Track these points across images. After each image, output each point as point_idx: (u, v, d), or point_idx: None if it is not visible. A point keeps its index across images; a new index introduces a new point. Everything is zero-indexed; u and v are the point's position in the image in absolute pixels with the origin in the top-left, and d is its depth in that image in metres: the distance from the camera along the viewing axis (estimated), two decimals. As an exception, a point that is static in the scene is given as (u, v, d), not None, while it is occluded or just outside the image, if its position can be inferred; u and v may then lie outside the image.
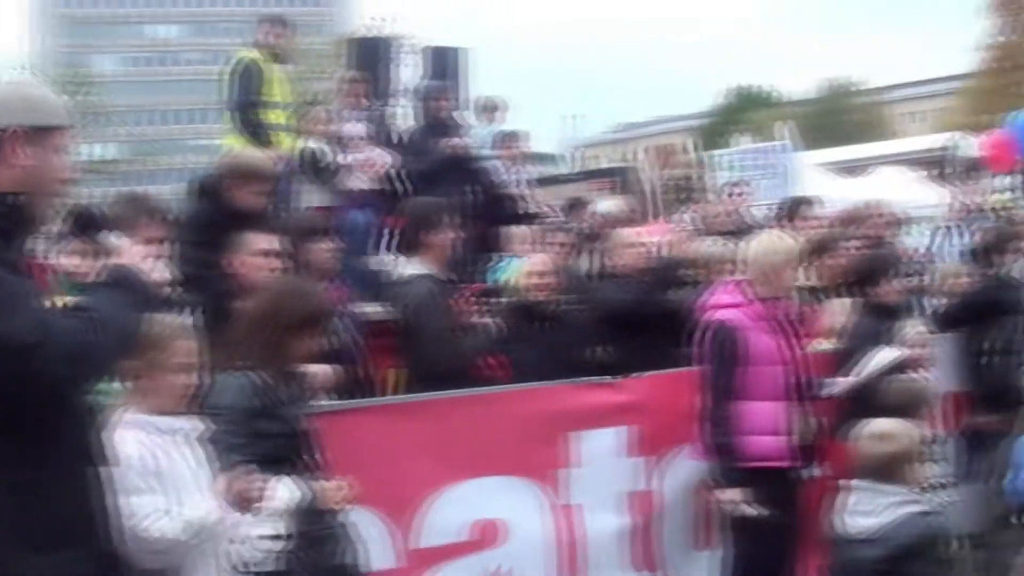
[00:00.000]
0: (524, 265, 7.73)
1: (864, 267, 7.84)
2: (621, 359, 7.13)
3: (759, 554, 6.18)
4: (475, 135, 11.65)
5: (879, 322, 7.34)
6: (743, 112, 70.98)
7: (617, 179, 17.66)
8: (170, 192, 23.08)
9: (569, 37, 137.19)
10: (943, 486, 6.25)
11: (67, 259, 5.02)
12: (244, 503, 3.95)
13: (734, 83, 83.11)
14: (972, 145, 18.81)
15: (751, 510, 6.05)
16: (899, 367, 6.95)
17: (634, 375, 6.58)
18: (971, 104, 56.86)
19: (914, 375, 6.90)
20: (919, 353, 7.42)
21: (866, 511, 4.86)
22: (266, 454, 4.32)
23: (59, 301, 3.36)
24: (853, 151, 25.67)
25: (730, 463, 6.15)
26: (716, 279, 7.19)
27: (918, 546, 4.83)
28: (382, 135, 10.67)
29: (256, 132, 10.09)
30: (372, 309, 7.48)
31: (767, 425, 6.23)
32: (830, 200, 12.82)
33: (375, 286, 8.24)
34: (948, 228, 12.81)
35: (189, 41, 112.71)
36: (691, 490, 6.66)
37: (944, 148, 20.25)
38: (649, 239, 8.68)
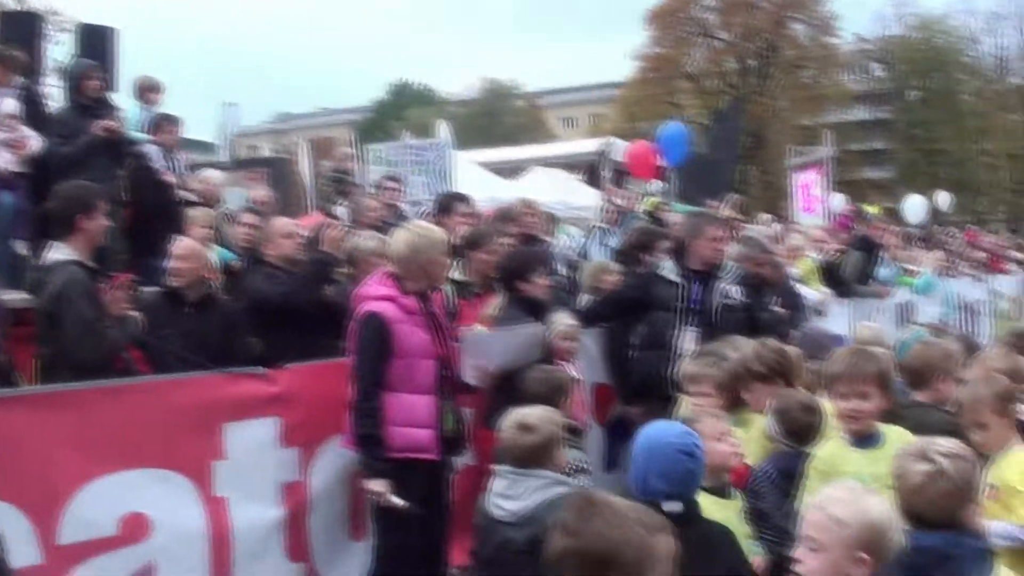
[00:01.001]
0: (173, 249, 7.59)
1: (514, 263, 8.07)
2: (274, 350, 7.06)
3: (405, 544, 6.25)
4: (129, 117, 11.22)
5: (526, 316, 7.59)
6: (403, 108, 71.84)
7: (271, 169, 17.53)
8: None
9: (231, 25, 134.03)
10: (583, 471, 6.52)
11: None
12: None
13: (395, 79, 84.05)
14: (623, 150, 19.79)
15: (396, 501, 6.10)
16: (546, 358, 7.24)
17: (285, 366, 6.51)
18: (624, 111, 59.99)
19: (557, 365, 7.19)
20: (566, 346, 7.75)
21: (513, 495, 4.98)
22: None
23: None
24: (509, 152, 26.49)
25: (377, 454, 6.17)
26: (369, 272, 7.19)
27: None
28: (31, 114, 10.09)
29: None
30: (15, 296, 7.09)
31: (415, 417, 6.29)
32: (485, 198, 13.18)
33: (20, 272, 7.82)
34: (599, 229, 13.41)
35: None
36: (343, 481, 6.68)
37: (597, 152, 21.23)
38: (304, 230, 8.67)
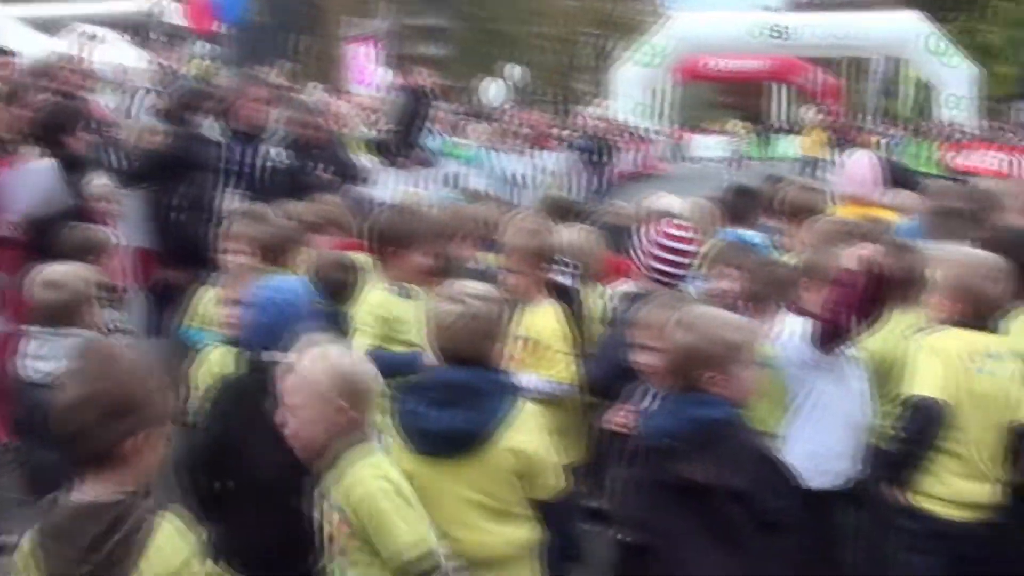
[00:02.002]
0: None
1: (51, 118, 7.66)
2: None
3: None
4: None
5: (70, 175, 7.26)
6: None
7: None
8: None
9: None
10: (124, 331, 6.38)
11: None
12: None
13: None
14: (175, 11, 19.08)
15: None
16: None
17: None
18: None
19: (91, 224, 6.93)
20: (102, 207, 7.48)
21: (45, 356, 4.83)
22: None
23: None
24: (53, 7, 24.83)
25: None
26: None
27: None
28: None
29: None
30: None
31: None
32: (25, 53, 12.32)
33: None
34: (146, 89, 12.93)
35: None
36: None
37: (147, 13, 20.32)
38: None
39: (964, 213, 5.89)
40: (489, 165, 18.31)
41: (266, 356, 4.00)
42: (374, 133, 14.22)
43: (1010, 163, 29.24)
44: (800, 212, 6.40)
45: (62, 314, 4.87)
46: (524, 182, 21.40)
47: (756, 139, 50.59)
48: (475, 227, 6.54)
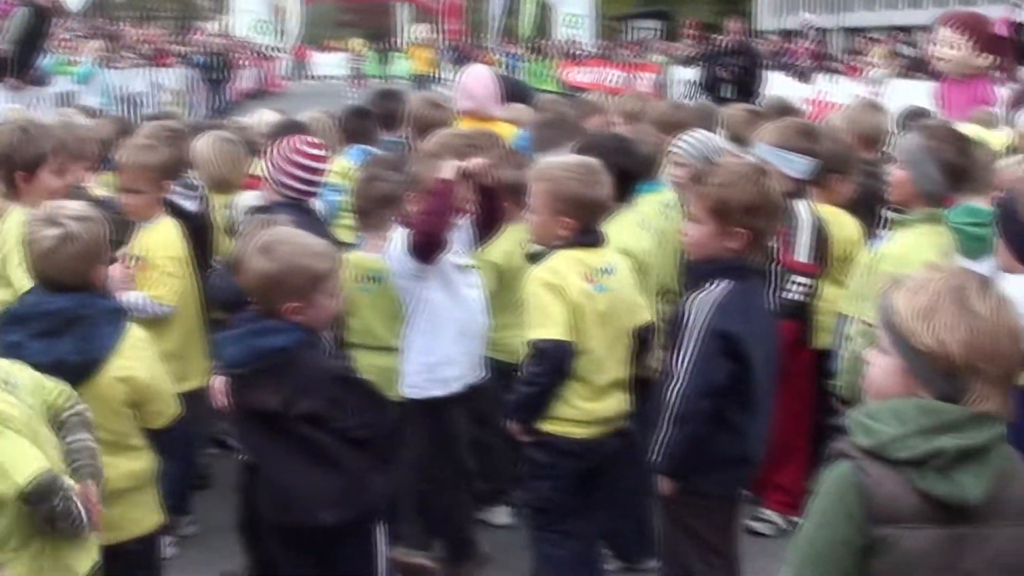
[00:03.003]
0: None
1: None
2: None
3: None
4: None
5: None
6: None
7: None
8: None
9: None
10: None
11: None
12: None
13: None
14: None
15: None
16: None
17: None
18: None
19: None
20: None
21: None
22: None
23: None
24: None
25: None
26: None
27: None
28: None
29: None
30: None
31: None
32: None
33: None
34: None
35: None
36: None
37: None
38: None
39: (566, 123, 6.13)
40: (104, 83, 17.42)
41: None
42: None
43: (627, 79, 30.72)
44: (425, 126, 6.43)
45: None
46: (141, 100, 20.60)
47: (376, 57, 50.77)
48: (90, 146, 6.16)
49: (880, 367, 2.38)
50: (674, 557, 3.95)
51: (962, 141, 4.57)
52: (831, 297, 5.06)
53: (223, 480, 5.43)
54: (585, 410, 4.14)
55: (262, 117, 7.29)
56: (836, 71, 20.52)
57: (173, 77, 23.78)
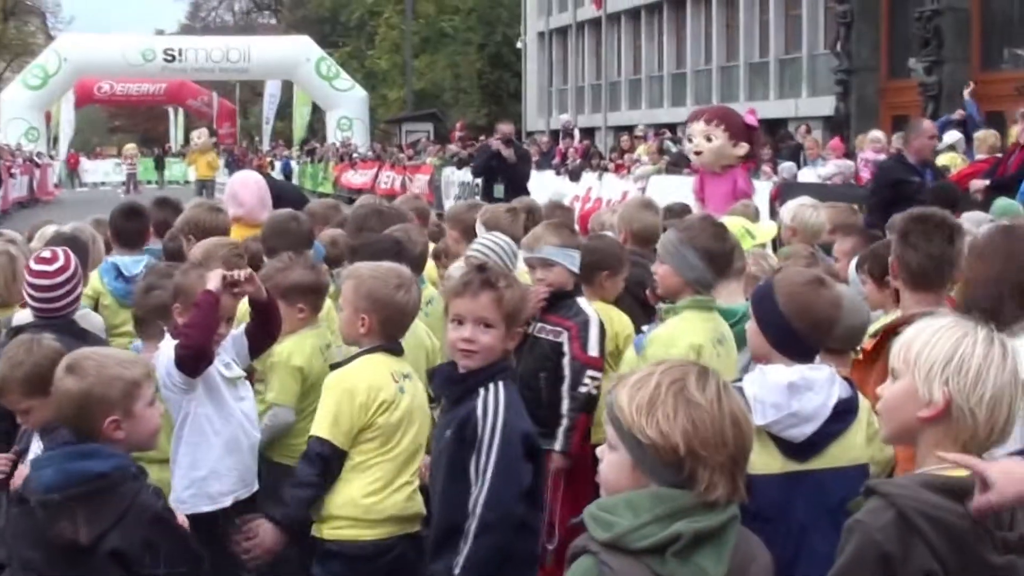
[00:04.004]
0: None
1: None
2: None
3: None
4: None
5: None
6: None
7: None
8: None
9: None
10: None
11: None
12: None
13: None
14: None
15: None
16: None
17: None
18: None
19: None
20: None
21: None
22: None
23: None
24: None
25: None
26: None
27: None
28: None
29: None
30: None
31: None
32: None
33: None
34: None
35: None
36: None
37: None
38: None
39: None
40: None
41: None
42: None
43: (403, 181, 30.97)
44: (202, 232, 6.27)
45: None
46: None
47: (152, 162, 49.89)
48: None
49: (608, 462, 2.44)
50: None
51: (717, 227, 4.78)
52: (604, 391, 5.15)
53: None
54: (377, 509, 4.10)
55: (42, 231, 6.89)
56: (604, 168, 21.21)
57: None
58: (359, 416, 4.09)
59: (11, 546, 3.54)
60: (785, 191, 13.74)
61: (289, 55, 44.74)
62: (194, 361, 4.22)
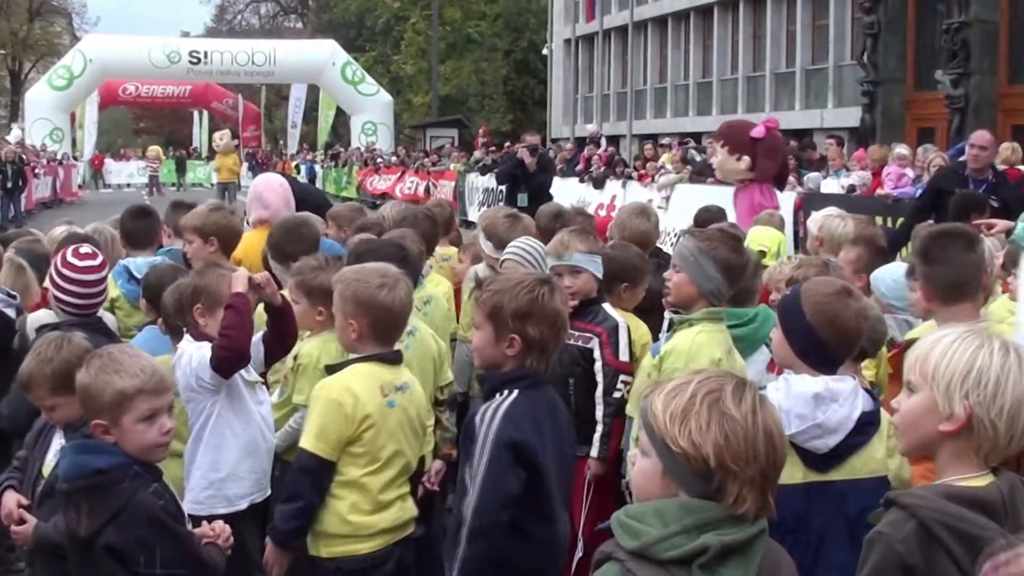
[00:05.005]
0: None
1: None
2: None
3: None
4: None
5: None
6: None
7: None
8: None
9: None
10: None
11: None
12: None
13: None
14: None
15: None
16: None
17: None
18: None
19: None
20: None
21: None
22: None
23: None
24: None
25: None
26: None
27: None
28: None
29: None
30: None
31: None
32: None
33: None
34: None
35: None
36: None
37: None
38: None
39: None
40: None
41: None
42: None
43: (427, 186, 31.02)
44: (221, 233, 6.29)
45: None
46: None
47: (174, 165, 50.05)
48: None
49: (640, 468, 2.43)
50: None
51: (734, 240, 4.76)
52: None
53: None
54: (368, 524, 4.08)
55: (52, 232, 6.97)
56: (628, 176, 21.17)
57: None
58: (346, 427, 4.02)
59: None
60: (808, 202, 13.72)
61: (315, 59, 44.89)
62: (232, 363, 4.29)
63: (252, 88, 54.45)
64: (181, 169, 50.14)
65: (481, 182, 26.76)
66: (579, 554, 4.85)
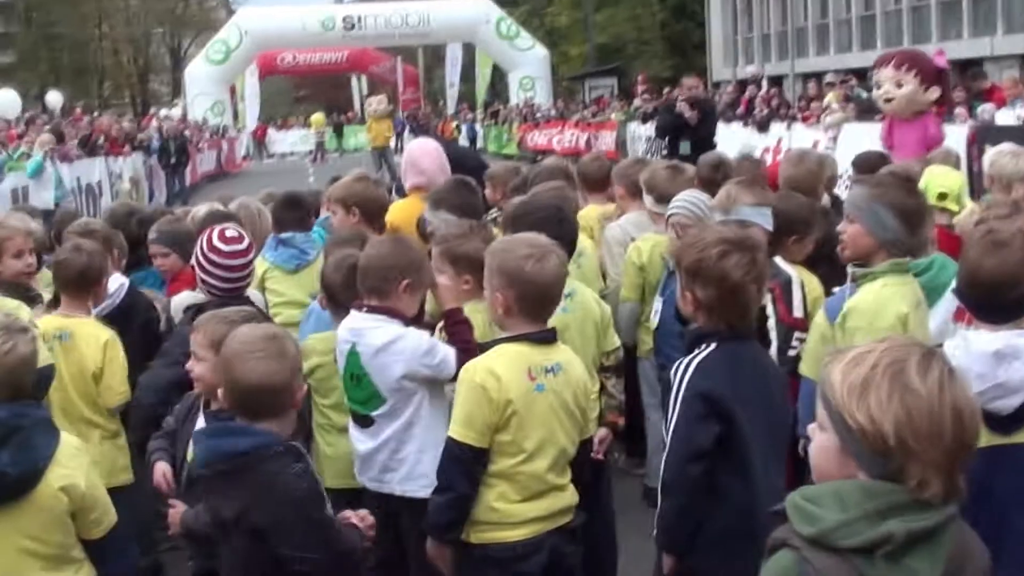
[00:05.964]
0: None
1: None
2: None
3: None
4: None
5: None
6: None
7: None
8: None
9: None
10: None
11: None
12: None
13: None
14: None
15: None
16: None
17: None
18: None
19: None
20: None
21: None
22: None
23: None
24: None
25: None
26: None
27: None
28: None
29: None
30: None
31: None
32: None
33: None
34: None
35: None
36: None
37: None
38: None
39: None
40: (57, 176, 17.22)
41: None
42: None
43: (587, 139, 30.82)
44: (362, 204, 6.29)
45: None
46: (100, 190, 20.46)
47: (333, 131, 50.77)
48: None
49: (817, 443, 2.23)
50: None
51: (908, 182, 4.49)
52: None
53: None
54: (513, 511, 3.86)
55: (196, 210, 7.04)
56: (793, 118, 20.62)
57: (130, 165, 23.62)
58: (491, 414, 3.77)
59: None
60: (982, 135, 13.07)
61: (469, 17, 44.82)
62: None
63: (409, 50, 54.82)
64: (340, 135, 50.80)
65: (642, 131, 26.41)
66: None
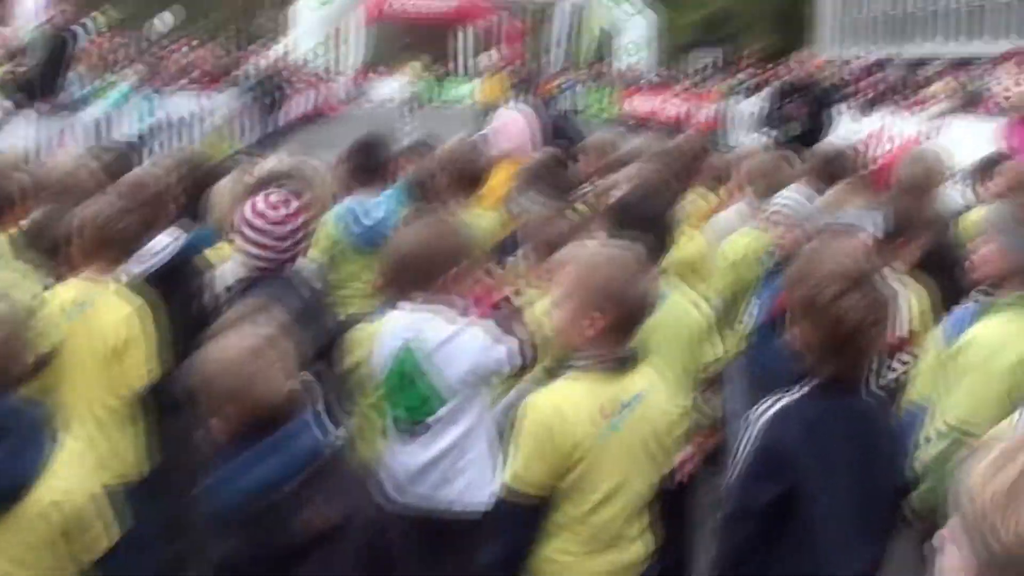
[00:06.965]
0: None
1: None
2: None
3: None
4: None
5: None
6: None
7: None
8: None
9: None
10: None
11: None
12: None
13: None
14: None
15: None
16: None
17: None
18: None
19: None
20: None
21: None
22: None
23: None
24: None
25: None
26: None
27: None
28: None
29: None
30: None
31: None
32: None
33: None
34: None
35: None
36: None
37: None
38: None
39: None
40: (147, 107, 17.04)
41: None
42: (10, 70, 12.86)
43: (687, 110, 30.12)
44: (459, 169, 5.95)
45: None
46: (191, 124, 20.22)
47: (432, 82, 50.28)
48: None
49: (949, 565, 1.68)
50: None
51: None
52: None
53: None
54: (578, 568, 3.33)
55: (262, 167, 5.97)
56: (896, 104, 19.83)
57: (223, 101, 23.32)
58: (555, 458, 3.22)
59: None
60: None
61: (580, -24, 44.21)
62: None
63: (518, 6, 54.24)
64: (439, 86, 50.34)
65: (746, 105, 25.63)
66: None
